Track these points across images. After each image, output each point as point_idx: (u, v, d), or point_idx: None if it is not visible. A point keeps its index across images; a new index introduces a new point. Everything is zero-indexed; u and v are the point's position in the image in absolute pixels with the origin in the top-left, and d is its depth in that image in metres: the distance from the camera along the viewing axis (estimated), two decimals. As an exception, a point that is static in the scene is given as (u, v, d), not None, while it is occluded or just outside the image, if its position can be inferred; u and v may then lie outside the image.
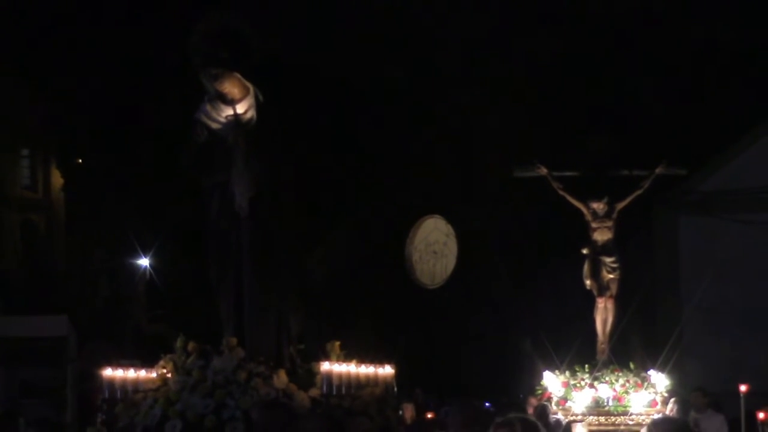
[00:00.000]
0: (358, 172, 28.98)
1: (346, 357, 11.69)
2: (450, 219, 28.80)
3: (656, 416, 15.77)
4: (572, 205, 17.43)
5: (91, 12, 26.70)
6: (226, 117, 11.53)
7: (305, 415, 10.21)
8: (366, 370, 11.59)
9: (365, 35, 27.31)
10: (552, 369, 16.90)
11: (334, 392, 11.03)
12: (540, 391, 17.10)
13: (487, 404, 20.25)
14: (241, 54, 11.60)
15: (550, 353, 17.44)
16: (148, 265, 28.26)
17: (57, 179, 32.81)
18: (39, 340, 23.03)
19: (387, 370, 11.91)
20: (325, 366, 11.00)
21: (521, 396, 21.35)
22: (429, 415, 19.70)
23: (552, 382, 16.73)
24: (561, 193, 17.35)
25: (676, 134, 25.48)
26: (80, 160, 29.72)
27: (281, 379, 11.12)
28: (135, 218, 26.33)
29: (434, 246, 29.28)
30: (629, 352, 17.60)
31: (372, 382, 11.57)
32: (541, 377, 17.15)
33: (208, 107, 11.59)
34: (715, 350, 24.08)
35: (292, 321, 11.66)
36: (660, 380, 16.62)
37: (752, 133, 25.47)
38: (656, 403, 16.43)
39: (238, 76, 11.49)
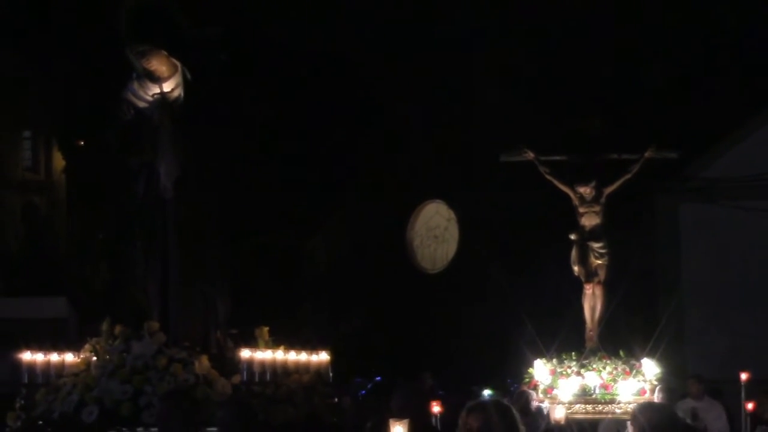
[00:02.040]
0: (360, 157, 28.54)
1: (276, 342, 11.23)
2: (451, 204, 28.41)
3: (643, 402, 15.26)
4: (559, 190, 16.89)
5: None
6: (153, 95, 11.08)
7: (220, 402, 9.79)
8: (296, 357, 11.12)
9: (363, 16, 26.87)
10: (540, 356, 16.39)
11: (257, 379, 10.56)
12: (527, 379, 16.58)
13: (486, 391, 19.83)
14: (169, 31, 11.12)
15: (536, 341, 16.94)
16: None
17: (59, 161, 32.63)
18: (39, 321, 22.93)
19: (321, 357, 11.44)
20: (246, 353, 10.52)
21: (509, 381, 20.87)
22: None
23: (540, 369, 16.22)
24: (548, 177, 16.81)
25: (676, 120, 24.90)
26: (82, 142, 29.50)
27: (203, 364, 10.65)
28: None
29: (435, 231, 28.92)
30: (618, 339, 17.09)
31: (302, 369, 11.11)
32: (530, 365, 16.63)
33: (135, 85, 11.17)
34: (716, 337, 23.63)
35: (219, 305, 11.18)
36: (650, 368, 16.08)
37: (754, 119, 24.98)
38: (645, 392, 15.90)
39: (165, 53, 11.03)
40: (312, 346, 11.47)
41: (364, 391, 22.94)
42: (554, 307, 20.63)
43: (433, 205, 28.88)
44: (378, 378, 24.40)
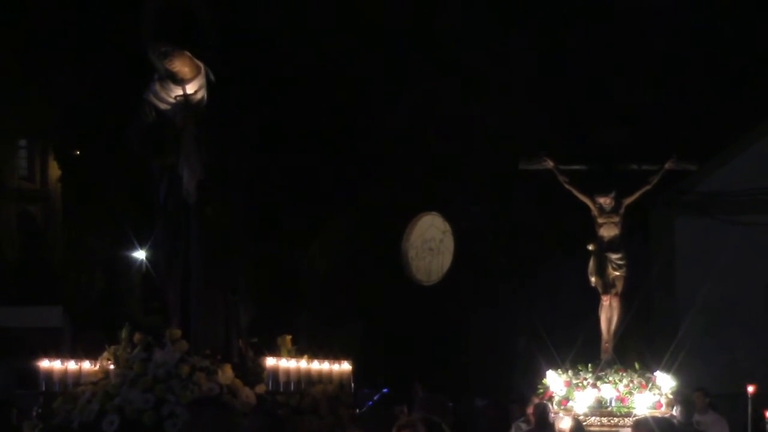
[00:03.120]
0: (355, 168, 28.19)
1: (300, 352, 10.82)
2: (447, 216, 28.14)
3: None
4: (575, 201, 16.62)
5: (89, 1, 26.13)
6: (176, 97, 10.67)
7: (245, 413, 9.38)
8: (319, 366, 10.72)
9: (363, 28, 26.56)
10: (554, 368, 16.08)
11: (281, 389, 10.15)
12: (541, 390, 16.25)
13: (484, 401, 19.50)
14: (194, 32, 10.72)
15: (550, 352, 16.63)
16: (144, 258, 27.61)
17: (54, 170, 32.24)
18: (34, 330, 22.60)
19: (343, 367, 11.04)
20: (271, 361, 10.11)
21: (511, 394, 20.54)
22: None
23: (554, 381, 15.88)
24: (567, 186, 16.58)
25: (678, 132, 24.73)
26: (78, 152, 29.08)
27: (226, 374, 10.23)
28: (132, 210, 25.70)
29: (430, 243, 28.66)
30: (631, 352, 16.82)
31: (325, 379, 10.70)
32: (537, 376, 16.41)
33: (157, 86, 10.75)
34: (711, 352, 23.46)
35: (241, 313, 10.77)
36: (665, 381, 15.79)
37: (750, 134, 24.89)
38: (661, 405, 15.61)
39: (189, 54, 10.62)
40: (334, 356, 11.08)
41: (371, 402, 22.59)
42: (557, 319, 20.39)
43: (428, 217, 28.63)
44: (386, 390, 24.03)
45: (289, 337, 10.90)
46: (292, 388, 10.25)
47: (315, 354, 10.92)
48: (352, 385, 11.11)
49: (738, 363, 23.09)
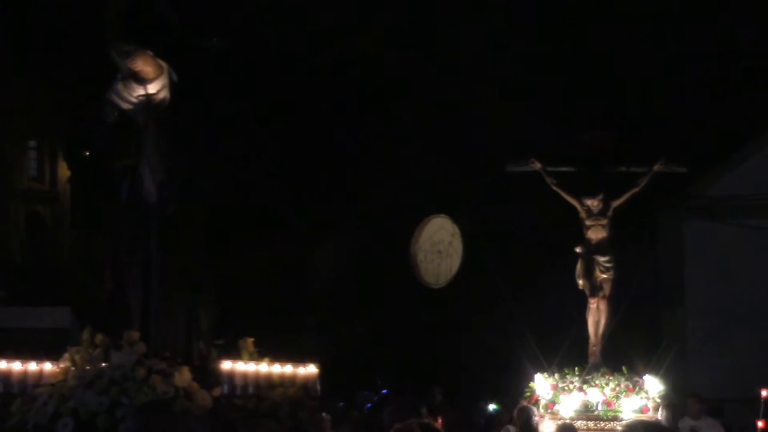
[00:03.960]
0: (363, 170, 28.04)
1: (261, 355, 10.64)
2: (456, 218, 27.94)
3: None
4: (565, 203, 16.43)
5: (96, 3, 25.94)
6: (138, 97, 10.53)
7: (198, 416, 9.23)
8: (281, 369, 10.52)
9: (367, 27, 26.41)
10: (541, 371, 15.89)
11: (238, 392, 9.97)
12: (528, 394, 16.07)
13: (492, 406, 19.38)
14: (157, 31, 10.58)
15: (537, 355, 16.47)
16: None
17: (64, 171, 32.27)
18: (42, 331, 22.56)
19: (309, 370, 10.83)
20: (226, 364, 9.93)
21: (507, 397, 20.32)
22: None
23: (541, 384, 15.65)
24: (555, 188, 16.45)
25: (683, 136, 24.44)
26: (87, 153, 29.03)
27: (184, 376, 10.04)
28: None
29: (439, 246, 28.46)
30: (621, 356, 16.62)
31: (287, 382, 10.50)
32: (531, 379, 16.28)
33: (120, 86, 10.64)
34: (719, 356, 23.22)
35: (203, 314, 10.59)
36: (653, 385, 15.58)
37: (759, 138, 24.59)
38: (648, 409, 15.51)
39: (152, 54, 10.49)
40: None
41: (370, 404, 22.47)
42: (558, 321, 20.14)
43: (437, 219, 28.40)
44: (385, 391, 23.93)
45: (251, 340, 10.71)
46: (250, 391, 10.07)
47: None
48: (318, 387, 10.88)
49: (746, 367, 22.78)
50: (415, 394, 19.39)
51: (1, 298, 27.98)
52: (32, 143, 32.43)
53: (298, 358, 10.72)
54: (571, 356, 16.39)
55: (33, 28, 28.31)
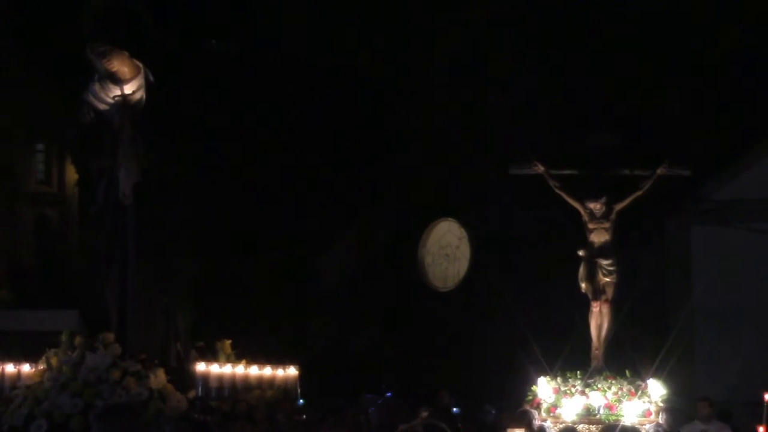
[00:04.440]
0: (372, 176, 27.91)
1: (239, 356, 10.53)
2: (463, 222, 27.81)
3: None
4: (569, 207, 16.24)
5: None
6: (114, 97, 10.41)
7: (171, 418, 9.11)
8: (259, 371, 10.41)
9: (376, 32, 26.28)
10: (543, 375, 15.73)
11: (213, 394, 9.85)
12: (530, 397, 15.90)
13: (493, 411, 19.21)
14: (133, 32, 10.47)
15: (539, 359, 16.29)
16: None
17: (71, 174, 32.24)
18: (50, 334, 22.43)
19: (288, 372, 10.73)
20: (201, 366, 9.81)
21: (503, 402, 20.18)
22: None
23: (543, 388, 15.56)
24: (557, 191, 16.21)
25: (689, 140, 24.22)
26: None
27: (159, 378, 9.93)
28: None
29: (447, 249, 28.39)
30: (624, 359, 16.43)
31: (265, 384, 10.40)
32: (533, 383, 15.99)
33: (96, 87, 10.51)
34: (727, 360, 23.04)
35: (180, 316, 10.48)
36: (656, 389, 15.39)
37: (766, 142, 24.35)
38: (650, 413, 15.28)
39: (127, 54, 10.37)
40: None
41: (373, 408, 22.30)
42: (560, 325, 19.99)
43: (445, 223, 28.37)
44: (389, 394, 23.77)
45: (228, 342, 10.60)
46: (225, 393, 9.95)
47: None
48: (299, 390, 10.77)
49: (753, 371, 22.57)
50: (421, 397, 19.30)
51: (9, 300, 27.95)
52: (40, 146, 32.41)
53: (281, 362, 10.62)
54: (573, 360, 16.16)
55: (41, 32, 28.29)
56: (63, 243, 31.45)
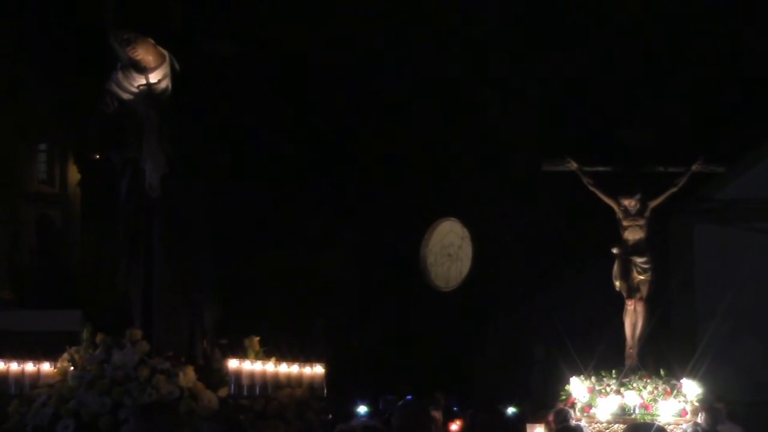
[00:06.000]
0: (373, 172, 27.49)
1: (268, 354, 10.07)
2: (465, 221, 27.44)
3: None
4: (600, 203, 15.88)
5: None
6: (139, 87, 9.92)
7: (205, 417, 8.65)
8: (288, 369, 9.95)
9: (384, 30, 25.89)
10: (576, 374, 15.36)
11: (246, 393, 9.40)
12: (564, 397, 15.52)
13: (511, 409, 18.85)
14: (158, 19, 10.00)
15: (572, 358, 15.90)
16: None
17: (74, 174, 31.77)
18: (52, 334, 22.02)
19: (315, 370, 10.27)
20: (234, 364, 9.35)
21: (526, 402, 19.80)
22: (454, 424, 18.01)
23: (577, 387, 15.18)
24: (591, 188, 15.89)
25: (692, 137, 23.93)
26: (97, 156, 28.51)
27: (188, 376, 9.47)
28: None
29: (449, 249, 28.04)
30: (657, 358, 16.07)
31: (294, 382, 9.94)
32: (558, 382, 15.83)
33: (120, 76, 10.00)
34: (730, 360, 22.64)
35: (207, 313, 10.01)
36: (691, 388, 15.03)
37: (771, 141, 24.04)
38: (686, 413, 14.90)
39: (152, 42, 9.88)
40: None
41: (392, 410, 21.90)
42: (594, 323, 19.63)
43: (447, 223, 28.00)
44: (409, 396, 23.38)
45: (257, 339, 10.14)
46: (257, 391, 9.50)
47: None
48: (325, 389, 10.32)
49: (756, 371, 22.30)
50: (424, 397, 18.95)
51: (11, 301, 27.51)
52: (42, 146, 31.94)
53: (307, 360, 10.17)
54: (607, 358, 15.80)
55: (45, 33, 27.91)
56: (65, 243, 31.00)
